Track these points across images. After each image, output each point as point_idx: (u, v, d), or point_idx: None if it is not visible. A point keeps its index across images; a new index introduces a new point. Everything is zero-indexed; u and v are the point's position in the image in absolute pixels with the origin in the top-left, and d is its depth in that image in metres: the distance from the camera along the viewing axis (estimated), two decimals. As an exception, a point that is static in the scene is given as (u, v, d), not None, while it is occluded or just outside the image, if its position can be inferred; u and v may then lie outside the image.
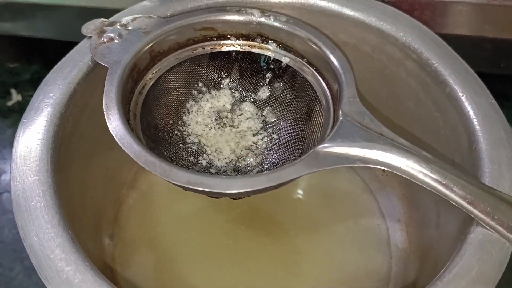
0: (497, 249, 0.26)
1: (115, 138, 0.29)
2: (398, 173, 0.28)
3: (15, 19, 0.47)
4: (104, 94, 0.31)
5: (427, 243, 0.38)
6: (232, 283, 0.39)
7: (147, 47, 0.34)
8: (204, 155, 0.35)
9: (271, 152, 0.36)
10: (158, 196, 0.43)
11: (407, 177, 0.28)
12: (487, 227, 0.26)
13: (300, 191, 0.44)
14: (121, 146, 0.29)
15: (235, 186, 0.27)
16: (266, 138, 0.37)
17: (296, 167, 0.28)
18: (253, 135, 0.37)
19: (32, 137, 0.30)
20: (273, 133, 0.37)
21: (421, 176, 0.27)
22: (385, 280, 0.39)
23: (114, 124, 0.30)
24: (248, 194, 0.29)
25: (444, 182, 0.27)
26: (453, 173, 0.27)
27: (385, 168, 0.28)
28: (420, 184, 0.27)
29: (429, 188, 0.27)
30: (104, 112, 0.30)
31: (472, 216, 0.27)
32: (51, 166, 0.29)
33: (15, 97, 0.51)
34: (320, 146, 0.29)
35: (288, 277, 0.40)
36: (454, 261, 0.26)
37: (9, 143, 0.48)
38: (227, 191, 0.27)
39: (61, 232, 0.26)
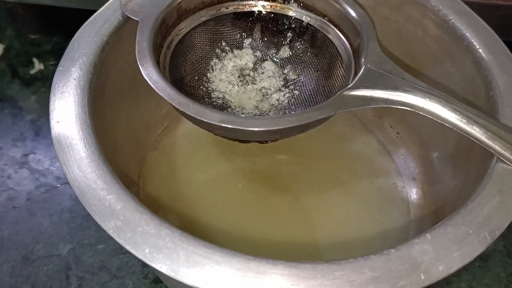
0: (517, 181, 0.27)
1: (149, 83, 0.30)
2: (421, 113, 0.29)
3: (39, -12, 0.48)
4: (136, 43, 0.32)
5: (442, 198, 0.39)
6: (253, 236, 0.40)
7: (175, 4, 0.35)
8: (229, 109, 0.37)
9: (294, 107, 0.37)
10: (179, 157, 0.45)
11: (430, 117, 0.29)
12: (507, 162, 0.28)
13: (317, 154, 0.46)
14: (156, 90, 0.30)
15: (265, 124, 0.29)
16: (288, 95, 0.38)
17: (323, 109, 0.29)
18: (275, 92, 0.38)
19: (69, 83, 0.31)
20: (294, 90, 0.38)
21: (443, 114, 0.29)
22: (404, 234, 0.40)
23: (148, 70, 0.31)
24: (275, 135, 0.31)
25: (465, 120, 0.28)
26: (474, 112, 0.29)
27: (409, 109, 0.29)
28: (442, 123, 0.29)
29: (451, 126, 0.29)
30: (137, 60, 0.31)
31: (492, 151, 0.28)
32: (88, 109, 0.30)
33: (37, 66, 0.52)
34: (346, 90, 0.30)
35: (306, 231, 0.41)
36: (476, 192, 0.27)
37: (33, 109, 0.49)
38: (257, 129, 0.28)
39: (101, 165, 0.27)
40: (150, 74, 0.31)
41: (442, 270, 0.24)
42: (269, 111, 0.37)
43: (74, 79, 0.31)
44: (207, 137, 0.44)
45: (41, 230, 0.41)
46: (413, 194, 0.43)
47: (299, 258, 0.24)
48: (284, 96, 0.38)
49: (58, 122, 0.29)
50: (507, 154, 0.28)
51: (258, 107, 0.38)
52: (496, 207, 0.26)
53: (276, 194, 0.43)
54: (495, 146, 0.28)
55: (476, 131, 0.28)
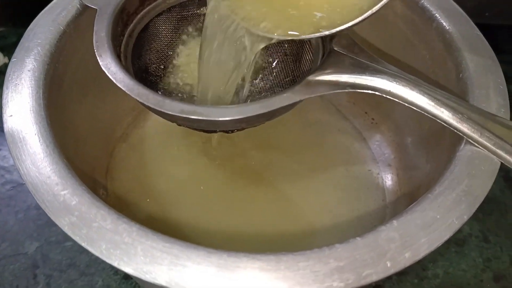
0: (486, 164, 0.27)
1: (107, 74, 0.29)
2: (389, 97, 0.28)
3: (0, -22, 0.47)
4: (94, 33, 0.31)
5: (416, 184, 0.38)
6: (226, 229, 0.39)
7: (136, -10, 0.34)
8: (196, 97, 0.36)
9: (265, 93, 0.36)
10: (149, 150, 0.43)
11: (398, 100, 0.28)
12: (476, 144, 0.27)
13: (293, 142, 0.45)
14: (114, 81, 0.29)
15: (228, 113, 0.28)
16: (258, 80, 0.37)
17: (288, 94, 0.28)
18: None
19: (23, 74, 0.30)
20: (265, 75, 0.37)
21: (411, 98, 0.28)
22: (379, 221, 0.40)
23: (106, 61, 0.30)
24: (241, 124, 0.30)
25: (434, 103, 0.28)
26: (442, 95, 0.28)
27: (376, 93, 0.28)
28: (411, 106, 0.28)
29: (419, 110, 0.28)
30: (95, 50, 0.30)
31: (461, 134, 0.27)
32: (43, 101, 0.29)
33: (2, 59, 0.51)
34: (311, 75, 0.29)
35: (283, 222, 0.40)
36: (444, 176, 0.26)
37: (-2, 104, 0.47)
38: (221, 119, 0.27)
39: (56, 159, 0.26)
40: (108, 65, 0.29)
41: (408, 257, 0.23)
42: (239, 98, 0.36)
43: (29, 70, 0.30)
44: (178, 129, 0.42)
45: (7, 228, 0.40)
46: (388, 180, 0.42)
47: (277, 250, 0.23)
48: (254, 82, 0.37)
49: (11, 116, 0.28)
50: (475, 136, 0.27)
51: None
52: (465, 191, 0.26)
53: (251, 185, 0.42)
54: (464, 128, 0.27)
55: (444, 114, 0.27)
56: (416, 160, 0.39)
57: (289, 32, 0.28)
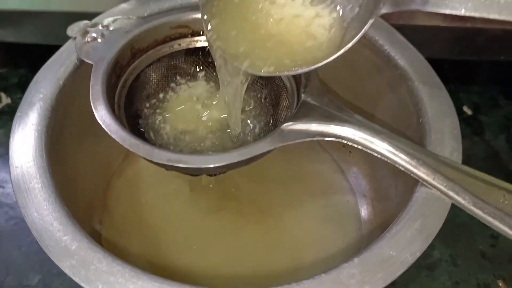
0: (438, 204, 0.30)
1: (102, 126, 0.32)
2: (354, 145, 0.32)
3: (2, 26, 0.50)
4: (90, 87, 0.34)
5: (389, 214, 0.42)
6: (215, 259, 0.43)
7: (128, 45, 0.38)
8: (186, 137, 0.39)
9: (248, 137, 0.40)
10: (143, 183, 0.47)
11: (361, 147, 0.32)
12: (430, 187, 0.30)
13: (276, 173, 0.48)
14: (108, 132, 0.32)
15: (210, 161, 0.31)
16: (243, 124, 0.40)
17: (264, 143, 0.32)
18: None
19: (27, 127, 0.33)
20: (248, 119, 0.41)
21: (372, 145, 0.31)
22: (356, 250, 0.43)
23: (101, 113, 0.33)
24: (222, 169, 0.33)
25: (392, 150, 0.31)
26: (400, 141, 0.31)
27: (342, 141, 0.32)
28: (372, 153, 0.31)
29: (379, 156, 0.31)
30: (91, 103, 0.33)
31: (417, 178, 0.31)
32: (45, 152, 0.32)
33: (5, 100, 0.54)
34: (285, 124, 0.33)
35: (267, 251, 0.43)
36: (401, 216, 0.30)
37: (1, 142, 0.51)
38: (203, 166, 0.31)
39: (57, 208, 0.29)
40: (103, 117, 0.33)
41: (367, 291, 0.27)
42: (223, 141, 0.40)
43: (32, 124, 0.33)
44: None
45: (11, 262, 0.43)
46: (364, 210, 0.45)
47: (262, 284, 0.27)
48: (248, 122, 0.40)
49: (17, 167, 0.31)
50: (429, 179, 0.30)
51: (215, 135, 0.40)
52: (418, 229, 0.29)
53: (236, 218, 0.45)
54: (419, 172, 0.30)
55: (402, 160, 0.31)
56: (388, 191, 0.43)
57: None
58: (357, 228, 0.45)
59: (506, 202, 0.30)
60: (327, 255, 0.43)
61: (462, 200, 0.30)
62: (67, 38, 0.38)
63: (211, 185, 0.46)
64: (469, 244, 0.45)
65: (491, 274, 0.43)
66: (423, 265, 0.44)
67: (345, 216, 0.45)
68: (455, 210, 0.30)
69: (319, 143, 0.50)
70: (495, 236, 0.46)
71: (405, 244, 0.28)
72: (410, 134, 0.36)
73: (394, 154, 0.31)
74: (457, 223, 0.46)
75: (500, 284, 0.43)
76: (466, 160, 0.33)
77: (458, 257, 0.44)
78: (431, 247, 0.45)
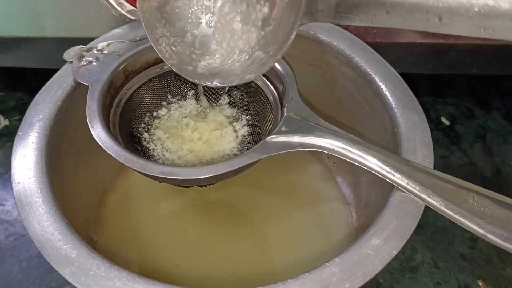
0: (411, 207, 0.32)
1: (99, 143, 0.35)
2: (333, 154, 0.34)
3: (1, 52, 0.53)
4: (87, 107, 0.37)
5: (371, 219, 0.44)
6: (208, 270, 0.45)
7: (121, 67, 0.40)
8: (179, 151, 0.41)
9: (236, 151, 0.42)
10: (137, 198, 0.49)
11: (339, 156, 0.34)
12: (404, 191, 0.33)
13: (266, 183, 0.50)
14: (104, 149, 0.35)
15: (200, 172, 0.33)
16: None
17: (250, 155, 0.34)
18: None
19: (28, 146, 0.35)
20: (238, 133, 0.43)
21: (350, 154, 0.34)
22: (340, 255, 0.45)
23: (97, 131, 0.35)
24: (212, 180, 0.35)
25: (368, 157, 0.34)
26: (375, 150, 0.34)
27: (322, 151, 0.35)
28: (350, 161, 0.34)
29: (356, 164, 0.34)
30: (88, 122, 0.36)
31: (391, 182, 0.33)
32: (45, 168, 0.34)
33: (3, 122, 0.56)
34: (269, 137, 0.35)
35: (258, 262, 0.45)
36: (378, 219, 0.32)
37: (0, 163, 0.53)
38: (194, 177, 0.33)
39: (57, 219, 0.32)
40: (99, 134, 0.35)
41: (348, 287, 0.29)
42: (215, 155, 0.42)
43: (32, 143, 0.36)
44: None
45: (12, 276, 0.45)
46: (349, 217, 0.48)
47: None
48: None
49: (19, 183, 0.33)
50: (403, 184, 0.33)
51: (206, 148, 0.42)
52: (394, 230, 0.31)
53: (227, 225, 0.47)
54: (394, 178, 0.33)
55: (378, 167, 0.33)
56: (370, 198, 0.45)
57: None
58: (343, 235, 0.47)
59: (475, 203, 0.32)
60: (314, 260, 0.45)
61: (434, 202, 0.32)
62: (63, 62, 0.41)
63: (203, 197, 0.48)
64: (449, 247, 0.48)
65: (471, 274, 0.46)
66: (406, 268, 0.46)
67: (332, 223, 0.48)
68: (436, 215, 0.32)
69: (305, 154, 0.53)
70: (474, 238, 0.48)
71: (381, 244, 0.31)
72: (386, 144, 0.39)
73: (370, 162, 0.34)
74: (438, 227, 0.49)
75: (480, 284, 0.45)
76: (444, 168, 0.35)
77: (439, 259, 0.47)
78: (413, 250, 0.48)
